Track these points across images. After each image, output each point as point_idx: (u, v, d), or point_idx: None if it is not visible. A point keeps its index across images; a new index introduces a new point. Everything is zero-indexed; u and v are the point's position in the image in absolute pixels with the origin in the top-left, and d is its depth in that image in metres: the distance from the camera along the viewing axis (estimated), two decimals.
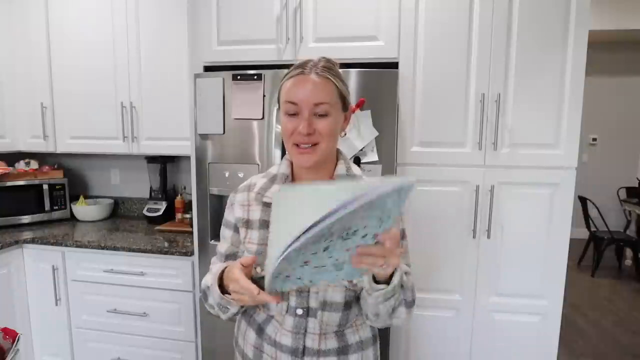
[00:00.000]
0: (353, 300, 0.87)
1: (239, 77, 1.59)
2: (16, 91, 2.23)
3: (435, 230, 1.67)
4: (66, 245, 1.92)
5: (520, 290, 1.67)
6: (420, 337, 1.75)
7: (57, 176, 2.37)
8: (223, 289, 0.82)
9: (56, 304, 1.97)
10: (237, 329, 0.99)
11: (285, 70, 0.85)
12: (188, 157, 2.19)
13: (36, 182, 2.28)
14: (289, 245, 0.54)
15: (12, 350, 0.81)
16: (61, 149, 2.23)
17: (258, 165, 1.64)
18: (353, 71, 1.54)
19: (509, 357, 1.70)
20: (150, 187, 2.37)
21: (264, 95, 1.59)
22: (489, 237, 1.64)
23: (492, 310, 1.69)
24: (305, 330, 0.86)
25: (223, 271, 0.82)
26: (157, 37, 2.03)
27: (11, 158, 2.31)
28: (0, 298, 1.89)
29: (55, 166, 2.42)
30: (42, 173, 2.32)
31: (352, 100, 1.53)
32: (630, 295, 3.70)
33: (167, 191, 2.36)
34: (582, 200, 4.09)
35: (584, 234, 4.49)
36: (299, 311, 0.86)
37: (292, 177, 0.90)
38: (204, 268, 1.75)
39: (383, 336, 1.34)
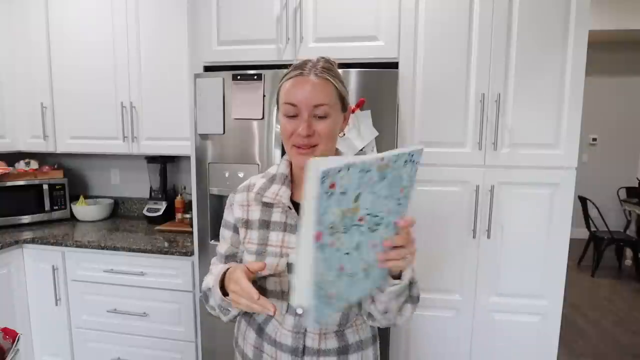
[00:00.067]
0: None
1: (239, 77, 1.60)
2: (16, 91, 2.23)
3: (435, 230, 1.67)
4: (66, 245, 1.93)
5: (520, 290, 1.67)
6: (420, 337, 1.75)
7: (57, 176, 2.37)
8: (224, 291, 0.82)
9: (56, 304, 1.97)
10: (237, 329, 0.99)
11: (285, 70, 0.85)
12: (188, 157, 2.19)
13: (36, 182, 2.28)
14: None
15: (12, 350, 0.81)
16: (61, 149, 2.23)
17: (258, 165, 1.64)
18: (353, 71, 1.54)
19: (509, 357, 1.70)
20: (150, 187, 2.37)
21: (264, 95, 1.59)
22: (489, 237, 1.64)
23: (492, 310, 1.69)
24: (305, 330, 0.86)
25: (225, 273, 0.82)
26: (157, 37, 2.03)
27: (11, 158, 2.31)
28: (0, 298, 1.89)
29: (55, 166, 2.42)
30: (42, 173, 2.32)
31: (352, 100, 1.53)
32: (630, 295, 3.70)
33: (167, 191, 2.36)
34: (582, 200, 4.09)
35: (584, 234, 4.49)
36: (299, 310, 0.86)
37: (291, 177, 0.90)
38: (204, 268, 1.75)
39: (383, 336, 1.35)
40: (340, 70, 0.86)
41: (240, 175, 1.65)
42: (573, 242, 1.98)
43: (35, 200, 2.27)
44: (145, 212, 2.31)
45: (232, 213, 0.93)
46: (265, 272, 0.85)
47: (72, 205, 2.37)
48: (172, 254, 1.82)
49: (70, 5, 2.11)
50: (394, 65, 1.62)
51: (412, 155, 0.65)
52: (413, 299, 0.81)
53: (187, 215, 2.22)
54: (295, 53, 1.66)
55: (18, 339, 0.83)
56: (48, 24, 2.14)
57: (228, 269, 0.81)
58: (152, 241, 1.94)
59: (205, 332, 1.80)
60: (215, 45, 1.73)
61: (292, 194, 0.89)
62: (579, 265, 4.41)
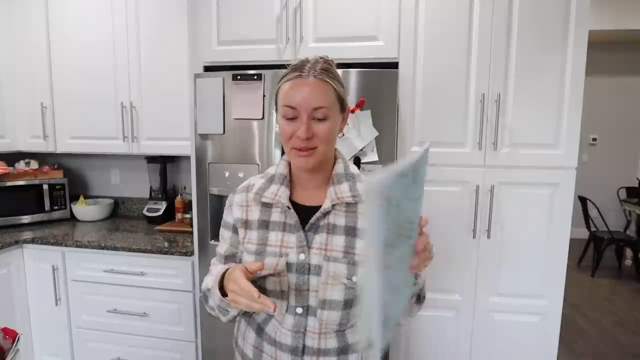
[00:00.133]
0: (353, 300, 0.87)
1: (239, 77, 1.60)
2: (16, 91, 2.23)
3: (435, 230, 1.66)
4: (66, 245, 1.93)
5: (520, 290, 1.67)
6: (420, 337, 1.75)
7: (57, 176, 2.37)
8: (224, 292, 0.82)
9: (56, 304, 1.97)
10: (236, 329, 0.99)
11: (284, 71, 0.84)
12: (188, 157, 2.19)
13: (36, 182, 2.28)
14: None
15: (12, 350, 0.81)
16: (61, 149, 2.23)
17: (258, 165, 1.64)
18: (353, 71, 1.54)
19: (509, 357, 1.70)
20: (150, 187, 2.37)
21: (264, 95, 1.59)
22: (489, 237, 1.64)
23: (492, 310, 1.69)
24: (305, 329, 0.86)
25: (224, 273, 0.82)
26: (157, 37, 2.03)
27: (11, 158, 2.31)
28: (0, 298, 1.89)
29: (55, 166, 2.42)
30: (42, 173, 2.32)
31: (352, 100, 1.53)
32: (630, 295, 3.70)
33: (167, 191, 2.36)
34: (582, 200, 4.09)
35: (584, 234, 4.49)
36: (299, 310, 0.86)
37: (290, 178, 0.90)
38: (204, 268, 1.75)
39: None
40: (340, 71, 0.86)
41: (240, 175, 1.65)
42: (573, 242, 1.98)
43: (35, 200, 2.27)
44: (145, 212, 2.31)
45: (232, 213, 0.93)
46: (264, 272, 0.85)
47: (72, 205, 2.37)
48: (172, 254, 1.82)
49: (70, 5, 2.11)
50: (394, 65, 1.62)
51: (427, 155, 0.65)
52: (421, 299, 0.81)
53: (187, 215, 2.22)
54: (295, 53, 1.66)
55: (18, 339, 0.83)
56: (48, 24, 2.14)
57: (227, 269, 0.81)
58: (152, 241, 1.94)
59: (205, 332, 1.80)
60: (215, 45, 1.73)
61: (291, 193, 0.89)
62: (579, 265, 4.41)
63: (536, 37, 1.54)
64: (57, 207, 2.34)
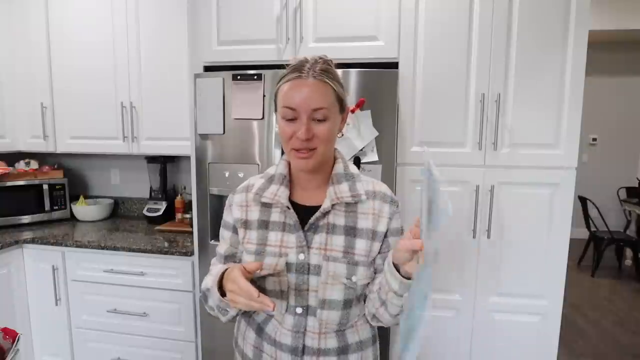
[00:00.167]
0: (353, 300, 0.87)
1: (239, 77, 1.60)
2: (16, 91, 2.23)
3: None
4: (66, 245, 1.92)
5: (520, 290, 1.67)
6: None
7: (57, 176, 2.37)
8: (223, 292, 0.82)
9: (56, 304, 1.97)
10: (236, 329, 0.99)
11: (283, 71, 0.84)
12: (188, 157, 2.19)
13: (36, 182, 2.28)
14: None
15: (12, 350, 0.81)
16: (61, 149, 2.23)
17: (258, 165, 1.64)
18: (353, 71, 1.54)
19: (509, 357, 1.70)
20: (150, 187, 2.37)
21: (264, 95, 1.59)
22: (489, 237, 1.64)
23: (492, 310, 1.69)
24: (305, 329, 0.86)
25: (223, 273, 0.82)
26: (157, 37, 2.03)
27: (11, 158, 2.31)
28: (0, 298, 1.89)
29: (55, 166, 2.42)
30: (42, 173, 2.32)
31: (352, 100, 1.53)
32: (630, 295, 3.70)
33: (167, 191, 2.36)
34: (582, 200, 4.09)
35: (584, 234, 4.49)
36: (299, 310, 0.86)
37: (289, 178, 0.90)
38: (204, 268, 1.75)
39: (383, 336, 1.35)
40: (340, 71, 0.86)
41: (240, 175, 1.65)
42: (573, 242, 1.98)
43: (35, 200, 2.27)
44: (145, 212, 2.31)
45: (231, 213, 0.93)
46: (264, 272, 0.85)
47: (72, 205, 2.37)
48: (172, 254, 1.82)
49: (70, 5, 2.11)
50: (394, 65, 1.62)
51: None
52: None
53: (187, 215, 2.22)
54: (295, 53, 1.66)
55: (18, 339, 0.83)
56: (48, 24, 2.14)
57: (226, 269, 0.81)
58: (152, 241, 1.94)
59: (205, 332, 1.80)
60: (215, 45, 1.73)
61: (290, 193, 0.89)
62: (579, 265, 4.41)
63: (536, 37, 1.54)
64: (57, 207, 2.34)
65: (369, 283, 0.88)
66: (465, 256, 1.67)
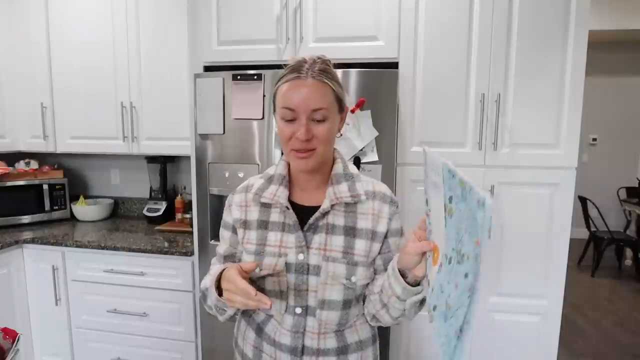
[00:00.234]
0: (352, 300, 0.87)
1: (239, 77, 1.60)
2: (16, 91, 2.23)
3: None
4: (66, 245, 1.93)
5: (520, 290, 1.67)
6: (420, 337, 1.75)
7: (57, 176, 2.37)
8: (221, 291, 0.82)
9: (56, 304, 1.97)
10: (236, 329, 0.99)
11: (281, 71, 0.83)
12: (188, 157, 2.19)
13: (36, 182, 2.28)
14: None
15: (12, 350, 0.81)
16: (61, 149, 2.23)
17: (258, 165, 1.64)
18: (353, 71, 1.54)
19: (509, 357, 1.70)
20: (150, 187, 2.37)
21: (264, 95, 1.59)
22: (489, 237, 1.63)
23: (492, 310, 1.69)
24: (304, 330, 0.86)
25: (221, 273, 0.82)
26: (157, 37, 2.03)
27: (11, 158, 2.31)
28: (0, 298, 1.89)
29: (55, 166, 2.42)
30: (42, 173, 2.32)
31: (352, 100, 1.53)
32: (630, 295, 3.70)
33: (167, 191, 2.36)
34: (582, 200, 4.09)
35: (584, 234, 4.49)
36: (298, 310, 0.86)
37: (289, 178, 0.90)
38: (204, 268, 1.75)
39: (383, 336, 1.35)
40: (340, 71, 0.86)
41: (240, 175, 1.65)
42: (573, 242, 1.98)
43: (35, 200, 2.27)
44: (145, 212, 2.31)
45: (231, 214, 0.93)
46: (264, 272, 0.85)
47: (72, 205, 2.37)
48: (172, 254, 1.82)
49: (70, 5, 2.11)
50: (394, 65, 1.62)
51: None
52: (423, 302, 0.81)
53: (187, 215, 2.22)
54: (295, 53, 1.66)
55: (18, 339, 0.83)
56: (48, 24, 2.14)
57: (224, 269, 0.81)
58: (152, 241, 1.94)
59: (205, 332, 1.80)
60: (215, 45, 1.73)
61: (290, 194, 0.89)
62: (579, 265, 4.41)
63: (536, 37, 1.54)
64: (57, 207, 2.34)
65: (368, 283, 0.88)
66: None
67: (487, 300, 1.69)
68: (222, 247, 0.95)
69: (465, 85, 1.60)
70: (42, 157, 2.45)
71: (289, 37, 1.66)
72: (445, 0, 1.58)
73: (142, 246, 1.85)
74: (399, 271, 0.76)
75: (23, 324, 1.99)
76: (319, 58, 0.82)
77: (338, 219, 0.86)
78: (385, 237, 0.87)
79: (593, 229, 4.16)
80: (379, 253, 0.87)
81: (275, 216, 0.88)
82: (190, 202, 2.19)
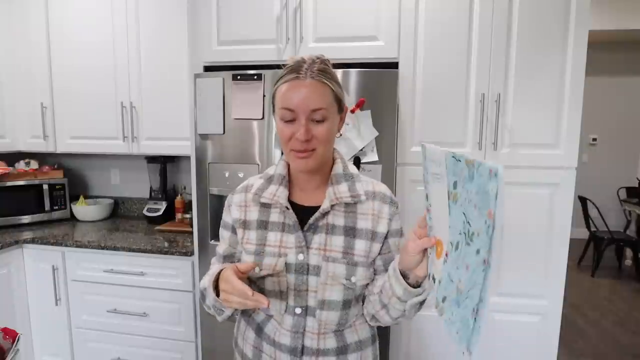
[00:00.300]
0: (352, 300, 0.87)
1: (239, 77, 1.60)
2: (16, 91, 2.23)
3: None
4: (66, 245, 1.93)
5: (520, 290, 1.67)
6: (420, 337, 1.75)
7: (57, 176, 2.37)
8: (219, 292, 0.82)
9: (56, 304, 1.97)
10: (236, 329, 0.99)
11: (280, 71, 0.83)
12: (188, 157, 2.19)
13: (36, 182, 2.28)
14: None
15: (12, 350, 0.81)
16: (61, 149, 2.23)
17: (258, 165, 1.64)
18: (353, 71, 1.54)
19: (509, 357, 1.70)
20: (150, 187, 2.37)
21: (264, 95, 1.59)
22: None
23: (492, 310, 1.69)
24: (304, 330, 0.86)
25: (219, 273, 0.82)
26: (157, 37, 2.03)
27: (11, 158, 2.31)
28: (0, 298, 1.89)
29: (55, 166, 2.42)
30: (42, 173, 2.32)
31: (352, 100, 1.53)
32: (630, 295, 3.70)
33: (167, 191, 2.36)
34: (582, 200, 4.09)
35: (584, 234, 4.49)
36: (298, 310, 0.86)
37: (289, 178, 0.90)
38: (204, 268, 1.75)
39: (383, 336, 1.35)
40: (340, 71, 0.86)
41: (240, 175, 1.65)
42: (573, 242, 1.98)
43: (35, 200, 2.27)
44: (145, 212, 2.31)
45: (230, 214, 0.93)
46: (264, 272, 0.85)
47: (72, 205, 2.37)
48: (172, 254, 1.82)
49: (70, 5, 2.11)
50: (394, 65, 1.62)
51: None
52: (423, 303, 0.81)
53: (187, 215, 2.22)
54: (295, 53, 1.66)
55: (18, 339, 0.83)
56: (48, 24, 2.14)
57: (222, 269, 0.81)
58: (152, 241, 1.94)
59: (205, 332, 1.80)
60: (215, 45, 1.73)
61: (290, 194, 0.89)
62: (579, 265, 4.41)
63: (536, 37, 1.54)
64: (57, 207, 2.34)
65: (368, 284, 0.88)
66: None
67: None
68: (221, 247, 0.95)
69: (465, 85, 1.60)
70: (42, 157, 2.45)
71: (289, 37, 1.66)
72: (445, 0, 1.58)
73: (142, 246, 1.85)
74: (401, 272, 0.76)
75: (23, 324, 1.99)
76: (317, 58, 0.82)
77: (338, 219, 0.86)
78: (386, 237, 0.87)
79: (593, 229, 4.16)
80: (379, 253, 0.87)
81: (275, 216, 0.88)
82: (190, 202, 2.19)
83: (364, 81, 1.54)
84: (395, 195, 0.92)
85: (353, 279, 0.84)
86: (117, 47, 2.08)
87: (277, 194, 0.87)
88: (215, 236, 1.70)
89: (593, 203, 4.10)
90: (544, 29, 1.53)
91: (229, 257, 0.94)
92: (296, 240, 0.85)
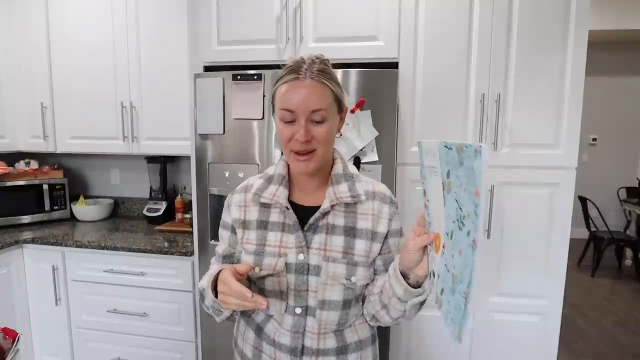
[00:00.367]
0: (352, 300, 0.87)
1: (239, 77, 1.60)
2: (16, 91, 2.23)
3: None
4: (66, 245, 1.93)
5: (520, 290, 1.67)
6: (420, 337, 1.75)
7: (57, 176, 2.37)
8: (217, 293, 0.82)
9: (56, 304, 1.97)
10: (236, 329, 0.99)
11: (280, 72, 0.82)
12: (188, 157, 2.19)
13: (36, 182, 2.28)
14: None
15: (12, 350, 0.81)
16: (61, 149, 2.23)
17: (258, 165, 1.64)
18: (353, 71, 1.54)
19: (509, 357, 1.70)
20: (150, 187, 2.37)
21: (264, 95, 1.59)
22: (488, 237, 1.64)
23: (492, 310, 1.69)
24: (304, 330, 0.86)
25: (218, 274, 0.82)
26: (157, 37, 2.03)
27: (11, 158, 2.31)
28: (0, 298, 1.89)
29: (55, 166, 2.42)
30: (42, 173, 2.32)
31: (352, 100, 1.53)
32: (630, 295, 3.70)
33: (167, 191, 2.36)
34: (582, 200, 4.09)
35: (584, 234, 4.49)
36: (298, 310, 0.86)
37: (288, 178, 0.90)
38: (204, 268, 1.75)
39: (383, 336, 1.35)
40: (340, 71, 0.86)
41: (240, 175, 1.65)
42: (573, 242, 1.98)
43: (35, 200, 2.27)
44: (145, 212, 2.31)
45: (230, 214, 0.93)
46: (264, 272, 0.85)
47: (72, 205, 2.37)
48: (172, 254, 1.82)
49: (70, 5, 2.11)
50: (394, 65, 1.62)
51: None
52: (423, 303, 0.81)
53: (187, 215, 2.22)
54: (295, 53, 1.66)
55: (18, 339, 0.83)
56: (48, 24, 2.14)
57: (221, 270, 0.81)
58: (152, 241, 1.94)
59: (205, 332, 1.80)
60: (215, 45, 1.73)
61: (289, 194, 0.89)
62: (579, 265, 4.41)
63: (536, 37, 1.54)
64: (57, 207, 2.34)
65: (368, 284, 0.88)
66: None
67: (487, 300, 1.69)
68: (221, 247, 0.95)
69: (465, 85, 1.60)
70: (42, 157, 2.45)
71: (289, 37, 1.66)
72: (445, 0, 1.58)
73: (142, 246, 1.85)
74: (401, 272, 0.76)
75: (23, 324, 1.99)
76: (317, 58, 0.81)
77: (338, 219, 0.86)
78: (386, 237, 0.87)
79: (593, 229, 4.16)
80: (379, 253, 0.87)
81: (274, 216, 0.88)
82: (190, 202, 2.19)
83: (364, 81, 1.54)
84: (395, 195, 0.92)
85: (353, 279, 0.84)
86: (117, 47, 2.08)
87: (277, 194, 0.87)
88: (215, 236, 1.70)
89: (593, 203, 4.10)
90: (544, 29, 1.53)
91: (229, 257, 0.94)
92: (296, 240, 0.85)
